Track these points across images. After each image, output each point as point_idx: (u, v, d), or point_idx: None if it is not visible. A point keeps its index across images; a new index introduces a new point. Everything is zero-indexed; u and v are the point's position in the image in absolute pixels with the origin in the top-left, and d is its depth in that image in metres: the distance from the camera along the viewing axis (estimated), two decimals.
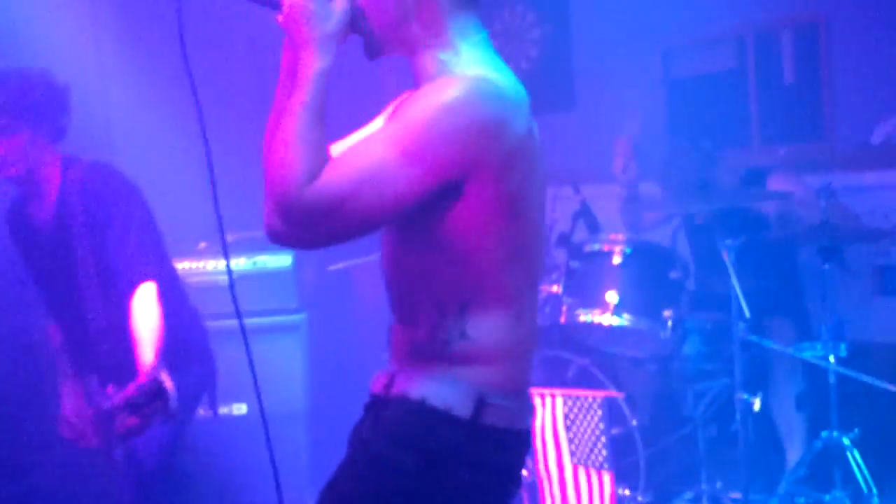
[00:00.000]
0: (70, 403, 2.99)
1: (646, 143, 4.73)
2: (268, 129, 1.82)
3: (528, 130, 1.69)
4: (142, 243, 2.78)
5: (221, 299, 4.37)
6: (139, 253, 2.76)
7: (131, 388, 2.43)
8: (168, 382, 2.45)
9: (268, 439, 2.05)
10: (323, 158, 1.60)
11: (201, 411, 3.20)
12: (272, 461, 2.03)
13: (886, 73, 4.20)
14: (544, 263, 1.77)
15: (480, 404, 1.67)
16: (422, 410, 1.69)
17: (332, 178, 1.57)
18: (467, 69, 1.67)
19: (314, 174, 1.57)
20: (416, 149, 1.56)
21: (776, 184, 3.92)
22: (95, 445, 2.92)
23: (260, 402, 2.14)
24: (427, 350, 1.72)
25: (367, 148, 1.60)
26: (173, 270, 3.06)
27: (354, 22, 1.72)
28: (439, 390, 1.68)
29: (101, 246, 2.78)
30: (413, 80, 1.77)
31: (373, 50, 1.78)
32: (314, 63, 1.64)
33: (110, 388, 2.67)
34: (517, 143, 1.64)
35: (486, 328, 1.69)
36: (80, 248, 2.78)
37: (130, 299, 2.68)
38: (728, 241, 3.45)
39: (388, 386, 1.77)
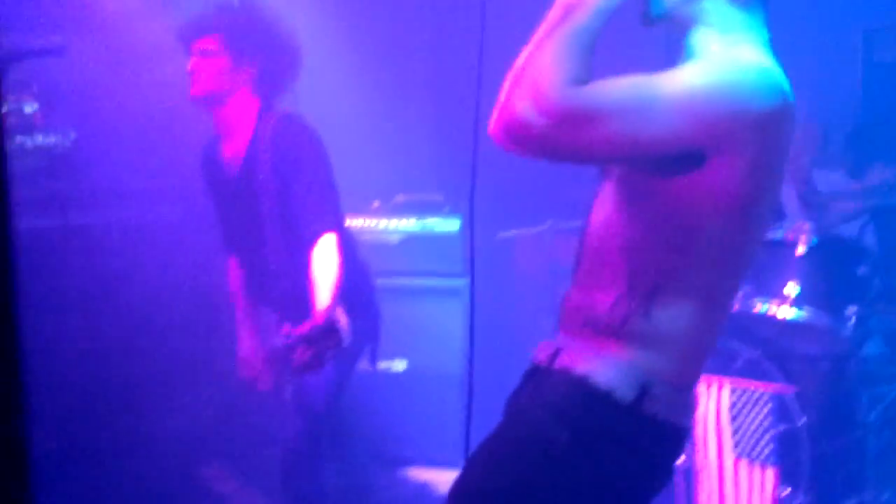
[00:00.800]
0: (248, 343, 3.10)
1: (838, 130, 4.50)
2: (535, 39, 1.69)
3: (791, 133, 1.62)
4: (325, 195, 2.86)
5: (389, 257, 4.53)
6: (323, 203, 2.84)
7: (306, 326, 2.50)
8: (343, 320, 2.51)
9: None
10: (589, 73, 1.53)
11: (362, 364, 3.26)
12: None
13: None
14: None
15: (644, 391, 1.62)
16: (583, 387, 1.65)
17: (602, 90, 1.52)
18: (749, 55, 1.62)
19: (581, 81, 1.51)
20: (690, 104, 1.51)
21: None
22: (269, 387, 3.02)
23: None
24: (603, 324, 1.67)
25: (644, 82, 1.54)
26: (346, 224, 3.12)
27: None
28: (605, 370, 1.64)
29: (286, 192, 2.86)
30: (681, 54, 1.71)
31: (655, 12, 1.69)
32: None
33: (286, 327, 2.76)
34: (780, 140, 1.59)
35: (672, 315, 1.63)
36: (267, 193, 2.87)
37: (313, 246, 2.76)
38: None
39: (552, 357, 1.74)
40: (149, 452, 3.53)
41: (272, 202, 2.87)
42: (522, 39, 1.62)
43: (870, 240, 3.96)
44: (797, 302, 3.40)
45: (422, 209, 4.52)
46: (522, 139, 1.54)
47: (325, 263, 2.73)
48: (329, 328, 2.50)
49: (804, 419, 3.41)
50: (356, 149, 4.25)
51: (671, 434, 1.68)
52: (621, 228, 1.66)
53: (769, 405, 3.16)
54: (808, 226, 3.58)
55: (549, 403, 1.69)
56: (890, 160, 3.67)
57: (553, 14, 1.61)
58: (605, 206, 1.71)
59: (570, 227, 4.38)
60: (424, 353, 4.45)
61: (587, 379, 1.65)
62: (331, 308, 2.58)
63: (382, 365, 4.38)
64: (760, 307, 3.45)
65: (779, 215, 3.76)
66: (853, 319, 3.35)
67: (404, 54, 4.90)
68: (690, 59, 1.66)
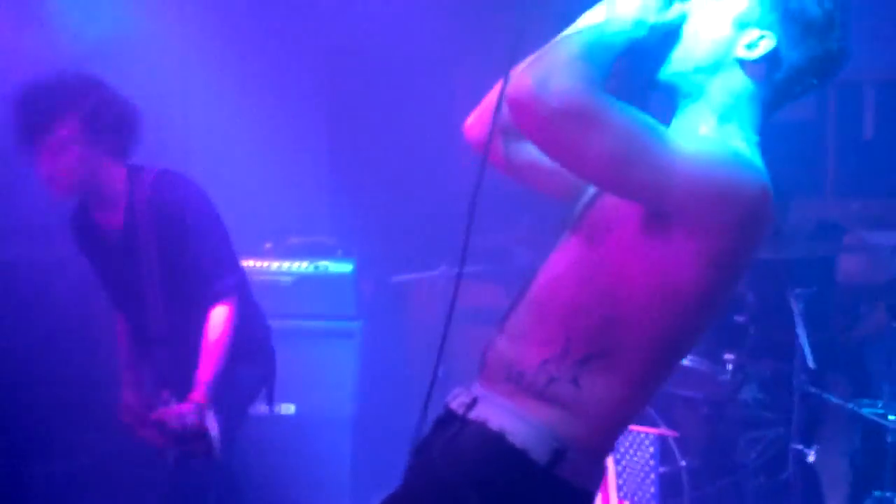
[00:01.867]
0: (131, 392, 3.04)
1: None
2: (574, 27, 1.64)
3: (763, 237, 1.57)
4: (219, 252, 2.81)
5: (282, 299, 4.49)
6: (217, 264, 2.78)
7: (173, 413, 2.45)
8: (213, 427, 2.46)
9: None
10: (604, 85, 1.47)
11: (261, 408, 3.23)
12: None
13: None
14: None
15: (559, 455, 1.58)
16: (498, 444, 1.60)
17: (618, 106, 1.45)
18: (743, 147, 1.56)
19: (596, 84, 1.45)
20: (688, 168, 1.45)
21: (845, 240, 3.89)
22: (149, 438, 2.95)
23: None
24: (526, 382, 1.62)
25: (655, 122, 1.48)
26: (242, 269, 3.08)
27: (671, 31, 1.62)
28: (522, 428, 1.59)
29: (170, 255, 2.79)
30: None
31: (662, 77, 1.65)
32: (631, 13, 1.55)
33: (165, 393, 2.72)
34: (753, 240, 1.54)
35: (600, 387, 1.59)
36: (147, 257, 2.79)
37: (209, 310, 2.72)
38: (798, 290, 3.41)
39: (469, 406, 1.68)
40: (26, 496, 3.41)
41: (152, 265, 2.79)
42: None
43: (745, 290, 4.13)
44: None
45: (315, 252, 4.51)
46: (528, 112, 1.45)
47: (216, 334, 2.69)
48: (199, 434, 2.44)
49: (685, 462, 3.52)
50: (247, 190, 4.24)
51: (580, 499, 1.64)
52: (570, 290, 1.62)
53: (652, 448, 3.25)
54: None
55: (460, 460, 1.64)
56: None
57: (595, 14, 1.60)
58: (560, 263, 1.67)
59: (465, 272, 4.44)
60: (315, 396, 4.43)
61: (503, 436, 1.60)
62: (204, 395, 2.54)
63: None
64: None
65: None
66: (731, 365, 3.49)
67: (296, 97, 4.92)
68: (678, 129, 1.63)
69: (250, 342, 2.92)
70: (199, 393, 2.63)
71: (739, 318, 3.57)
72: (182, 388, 2.70)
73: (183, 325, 2.79)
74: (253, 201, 4.28)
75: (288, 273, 4.47)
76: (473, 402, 1.69)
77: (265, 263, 4.47)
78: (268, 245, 4.57)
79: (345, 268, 4.45)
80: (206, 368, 2.65)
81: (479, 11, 4.96)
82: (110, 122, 2.71)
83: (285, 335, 4.24)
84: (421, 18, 4.33)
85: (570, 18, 1.67)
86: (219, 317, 2.71)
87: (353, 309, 4.45)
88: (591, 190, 1.70)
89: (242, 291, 2.86)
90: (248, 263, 4.32)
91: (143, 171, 2.83)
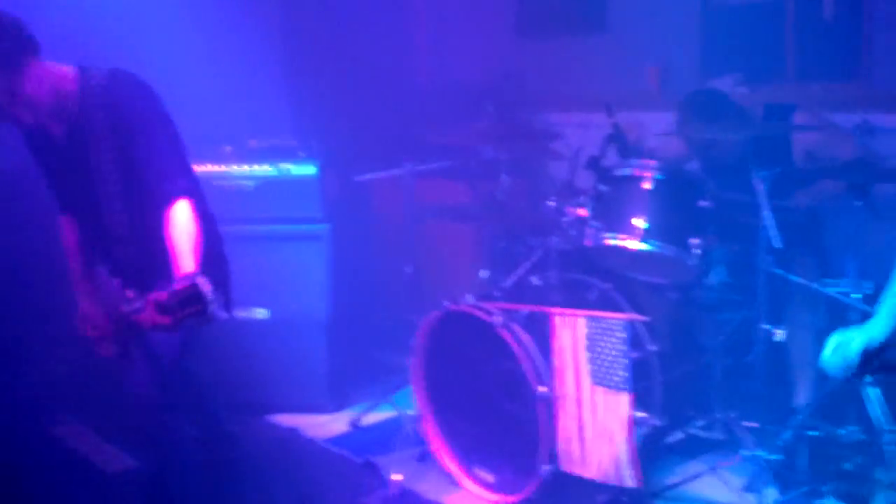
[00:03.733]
0: (87, 303, 3.00)
1: (678, 71, 4.67)
2: None
3: None
4: (169, 154, 2.74)
5: (246, 204, 4.44)
6: (169, 164, 2.72)
7: (165, 294, 2.42)
8: (206, 287, 2.43)
9: None
10: None
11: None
12: None
13: None
14: None
15: None
16: None
17: None
18: None
19: None
20: None
21: (802, 119, 3.89)
22: (114, 350, 2.93)
23: None
24: None
25: None
26: (194, 174, 2.98)
27: None
28: None
29: (123, 152, 2.74)
30: None
31: None
32: None
33: (130, 293, 2.67)
34: None
35: None
36: (100, 154, 2.74)
37: (166, 210, 2.64)
38: (762, 172, 3.42)
39: None
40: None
41: (109, 166, 2.74)
42: None
43: (707, 175, 4.14)
44: (645, 235, 3.52)
45: (276, 154, 4.44)
46: None
47: (182, 229, 2.60)
48: (192, 295, 2.42)
49: (654, 346, 3.58)
50: (205, 94, 4.15)
51: None
52: None
53: (622, 334, 3.29)
54: (653, 162, 3.71)
55: None
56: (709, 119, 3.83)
57: None
58: None
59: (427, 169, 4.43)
60: (287, 300, 4.43)
61: None
62: (195, 273, 2.49)
63: (244, 313, 4.34)
64: (611, 241, 3.57)
65: (625, 152, 3.87)
66: (697, 250, 3.51)
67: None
68: None
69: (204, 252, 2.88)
70: (185, 274, 2.52)
71: (703, 203, 3.58)
72: (144, 286, 2.65)
73: (140, 223, 2.76)
74: (211, 105, 4.19)
75: (250, 177, 4.42)
76: None
77: (226, 168, 4.40)
78: (228, 149, 4.48)
79: (308, 169, 4.40)
80: (186, 260, 2.55)
81: None
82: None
83: (252, 240, 4.25)
84: None
85: None
86: (181, 213, 2.64)
87: (319, 211, 4.42)
88: None
89: (196, 195, 2.80)
90: (208, 168, 4.27)
91: (92, 69, 2.77)
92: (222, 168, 4.39)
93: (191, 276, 2.43)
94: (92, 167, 2.76)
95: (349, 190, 4.63)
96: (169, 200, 2.65)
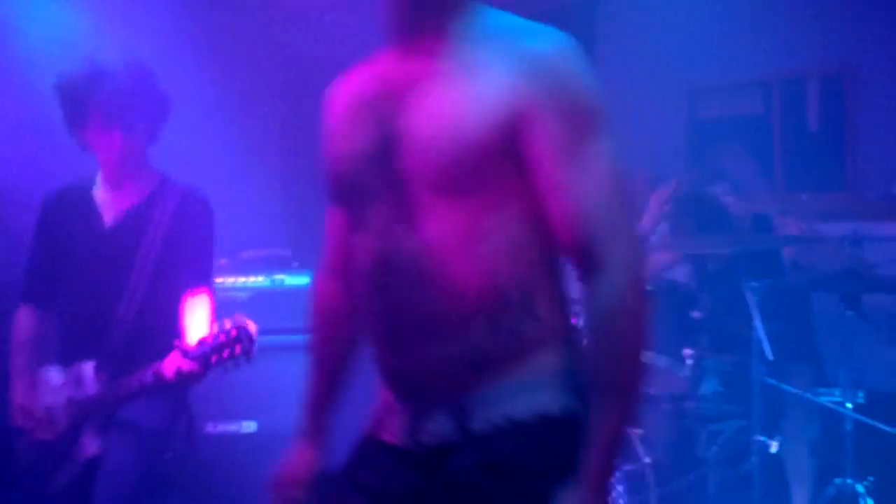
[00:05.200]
0: (25, 396, 2.90)
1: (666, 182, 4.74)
2: None
3: None
4: (208, 263, 2.96)
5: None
6: (205, 269, 2.94)
7: (201, 342, 2.50)
8: (252, 326, 2.51)
9: None
10: None
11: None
12: None
13: None
14: None
15: (579, 385, 1.49)
16: (544, 426, 1.48)
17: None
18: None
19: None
20: None
21: (788, 229, 3.94)
22: (53, 435, 2.83)
23: None
24: (495, 352, 1.50)
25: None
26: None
27: None
28: (545, 395, 1.49)
29: (170, 255, 2.86)
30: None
31: None
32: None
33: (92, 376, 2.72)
34: None
35: (549, 299, 1.54)
36: (149, 253, 2.86)
37: (187, 295, 2.81)
38: (753, 284, 3.45)
39: (462, 422, 1.51)
40: None
41: (147, 261, 2.85)
42: None
43: (699, 287, 4.17)
44: None
45: (270, 265, 4.48)
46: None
47: (202, 310, 2.81)
48: (239, 335, 2.47)
49: (649, 459, 3.54)
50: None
51: None
52: (467, 254, 1.52)
53: None
54: None
55: (526, 466, 1.47)
56: (701, 215, 3.89)
57: None
58: (447, 225, 1.52)
59: None
60: (276, 413, 4.37)
61: (543, 415, 1.48)
62: (239, 317, 2.58)
63: (232, 427, 4.29)
64: None
65: None
66: (690, 361, 3.51)
67: (249, 110, 4.90)
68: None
69: None
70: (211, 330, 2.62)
71: (696, 315, 3.60)
72: (125, 369, 2.70)
73: (150, 308, 2.82)
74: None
75: (243, 288, 4.42)
76: (462, 413, 1.52)
77: (220, 279, 4.41)
78: (222, 261, 4.51)
79: (302, 280, 4.42)
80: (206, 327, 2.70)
81: None
82: (152, 107, 2.88)
83: None
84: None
85: None
86: (202, 300, 2.84)
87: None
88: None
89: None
90: None
91: (171, 180, 2.97)
92: (217, 280, 4.41)
93: (236, 321, 2.52)
94: (132, 260, 2.85)
95: None
96: (193, 287, 2.83)
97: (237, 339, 2.51)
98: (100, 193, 2.95)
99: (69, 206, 2.98)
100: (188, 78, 4.43)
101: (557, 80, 1.46)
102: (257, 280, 4.42)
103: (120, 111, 2.80)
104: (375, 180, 1.55)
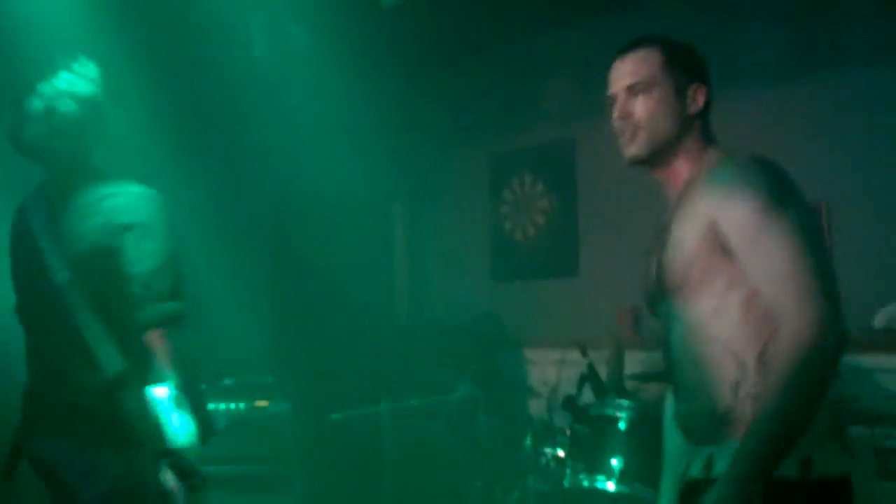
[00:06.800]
0: None
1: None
2: None
3: None
4: None
5: (217, 443, 4.20)
6: None
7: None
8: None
9: None
10: None
11: None
12: None
13: (888, 258, 4.13)
14: None
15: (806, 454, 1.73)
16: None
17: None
18: None
19: None
20: None
21: None
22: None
23: None
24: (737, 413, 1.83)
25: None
26: None
27: None
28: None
29: None
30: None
31: None
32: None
33: None
34: None
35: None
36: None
37: None
38: None
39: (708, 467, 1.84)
40: None
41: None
42: None
43: None
44: (623, 476, 3.46)
45: (251, 392, 4.34)
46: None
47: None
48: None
49: None
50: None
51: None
52: (720, 330, 1.91)
53: None
54: (628, 402, 3.65)
55: None
56: None
57: None
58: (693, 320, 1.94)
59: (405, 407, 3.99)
60: None
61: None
62: None
63: None
64: (589, 483, 3.51)
65: (601, 391, 3.88)
66: None
67: (235, 242, 4.71)
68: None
69: None
70: None
71: None
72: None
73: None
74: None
75: (223, 415, 4.18)
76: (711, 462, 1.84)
77: None
78: (202, 387, 4.16)
79: (282, 407, 4.18)
80: None
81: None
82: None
83: (221, 482, 3.99)
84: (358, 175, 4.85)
85: None
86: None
87: (291, 450, 4.27)
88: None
89: None
90: None
91: None
92: None
93: None
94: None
95: (325, 428, 4.18)
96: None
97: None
98: None
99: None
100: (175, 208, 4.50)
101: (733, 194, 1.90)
102: (238, 406, 4.30)
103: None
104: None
